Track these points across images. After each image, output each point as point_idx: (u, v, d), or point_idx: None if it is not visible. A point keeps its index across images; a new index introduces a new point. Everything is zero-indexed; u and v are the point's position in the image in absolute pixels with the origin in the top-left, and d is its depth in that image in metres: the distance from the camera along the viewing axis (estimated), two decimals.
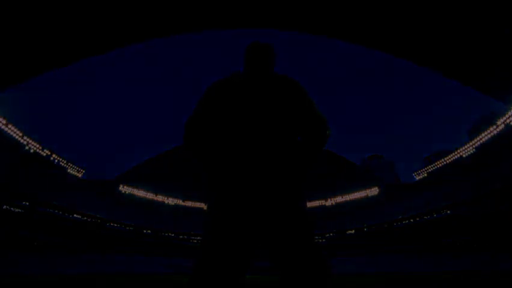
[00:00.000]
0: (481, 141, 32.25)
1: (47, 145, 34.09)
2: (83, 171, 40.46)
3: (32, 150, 31.59)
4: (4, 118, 27.96)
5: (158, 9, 24.79)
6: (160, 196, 46.74)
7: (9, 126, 28.67)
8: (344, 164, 54.58)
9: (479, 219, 25.63)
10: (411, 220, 33.91)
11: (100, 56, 29.11)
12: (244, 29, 31.91)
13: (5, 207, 24.78)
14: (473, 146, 33.49)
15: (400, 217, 34.97)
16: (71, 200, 31.86)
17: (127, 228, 37.21)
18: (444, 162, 38.23)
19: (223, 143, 1.29)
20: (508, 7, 19.48)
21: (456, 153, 36.13)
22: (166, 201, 47.23)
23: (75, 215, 31.69)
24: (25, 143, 30.78)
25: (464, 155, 34.77)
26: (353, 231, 40.12)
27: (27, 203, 26.83)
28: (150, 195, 45.99)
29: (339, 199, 47.48)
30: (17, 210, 25.93)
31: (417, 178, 43.30)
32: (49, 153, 34.35)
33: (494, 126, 30.15)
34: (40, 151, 32.93)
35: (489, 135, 31.01)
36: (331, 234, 41.35)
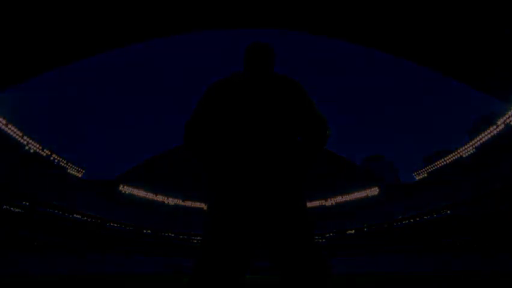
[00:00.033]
0: (481, 141, 32.24)
1: (47, 145, 34.09)
2: (83, 171, 40.46)
3: (32, 150, 31.59)
4: (4, 118, 27.95)
5: (158, 9, 24.79)
6: (160, 196, 46.73)
7: (9, 126, 28.66)
8: (344, 164, 54.57)
9: (479, 219, 25.63)
10: (411, 220, 33.90)
11: (100, 56, 29.12)
12: (243, 29, 31.91)
13: (5, 207, 24.77)
14: (473, 146, 33.48)
15: (400, 217, 34.96)
16: (71, 200, 31.85)
17: (127, 228, 37.21)
18: (444, 162, 38.21)
19: (223, 143, 1.29)
20: (508, 7, 19.47)
21: (456, 153, 36.11)
22: (166, 201, 47.22)
23: (75, 215, 31.68)
24: (25, 143, 30.77)
25: (464, 155, 34.76)
26: (353, 231, 40.11)
27: (27, 203, 26.82)
28: (150, 195, 45.99)
29: (339, 199, 47.47)
30: (17, 210, 25.93)
31: (417, 178, 43.28)
32: (49, 153, 34.34)
33: (494, 126, 30.13)
34: (40, 151, 32.92)
35: (489, 135, 30.99)
36: (331, 234, 41.35)
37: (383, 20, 25.30)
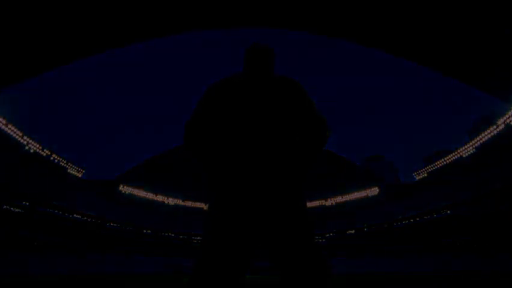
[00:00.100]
0: (481, 141, 32.24)
1: (47, 145, 34.10)
2: (83, 171, 40.46)
3: (32, 150, 31.58)
4: (4, 118, 27.95)
5: (158, 8, 24.78)
6: (160, 196, 46.72)
7: (9, 126, 28.65)
8: (344, 164, 54.56)
9: (479, 219, 25.63)
10: (411, 220, 33.90)
11: (101, 56, 29.12)
12: (243, 29, 31.90)
13: (5, 207, 24.77)
14: (473, 146, 33.47)
15: (400, 217, 34.96)
16: (71, 200, 31.84)
17: (127, 228, 37.20)
18: (444, 162, 38.21)
19: (223, 143, 1.29)
20: (508, 7, 19.48)
21: (456, 153, 36.10)
22: (166, 201, 47.22)
23: (75, 215, 31.68)
24: (25, 143, 30.76)
25: (464, 155, 34.76)
26: (353, 231, 40.10)
27: (27, 203, 26.82)
28: (150, 195, 45.98)
29: (339, 199, 47.46)
30: (17, 210, 25.92)
31: (417, 178, 43.29)
32: (49, 153, 34.33)
33: (494, 126, 30.13)
34: (40, 151, 32.92)
35: (489, 135, 30.99)
36: (331, 234, 41.34)
37: (383, 20, 25.31)
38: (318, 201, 46.92)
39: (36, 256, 22.32)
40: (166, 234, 40.95)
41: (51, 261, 22.44)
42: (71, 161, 38.43)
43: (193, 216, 44.11)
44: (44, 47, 23.36)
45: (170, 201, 47.45)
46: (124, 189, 43.85)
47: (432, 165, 40.87)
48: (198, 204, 47.60)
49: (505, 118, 28.71)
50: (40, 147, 32.83)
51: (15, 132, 29.40)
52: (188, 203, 47.90)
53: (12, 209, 25.49)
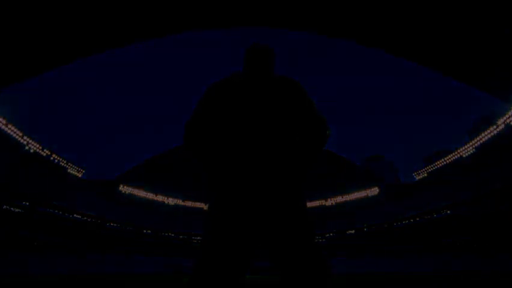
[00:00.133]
0: (481, 141, 32.24)
1: (47, 145, 34.09)
2: (83, 171, 40.46)
3: (32, 150, 31.58)
4: (4, 118, 27.95)
5: (158, 9, 24.78)
6: (160, 196, 46.73)
7: (9, 126, 28.65)
8: (344, 164, 54.56)
9: (479, 219, 25.63)
10: (411, 220, 33.90)
11: (101, 56, 29.13)
12: (243, 29, 31.90)
13: (5, 207, 24.77)
14: (473, 146, 33.47)
15: (400, 217, 34.96)
16: (71, 200, 31.84)
17: (127, 228, 37.20)
18: (444, 162, 38.21)
19: (223, 143, 1.29)
20: (508, 7, 19.48)
21: (456, 153, 36.11)
22: (166, 201, 47.22)
23: (75, 215, 31.68)
24: (25, 143, 30.76)
25: (464, 155, 34.76)
26: (353, 231, 40.10)
27: (27, 203, 26.82)
28: (150, 195, 45.99)
29: (339, 199, 47.46)
30: (17, 210, 25.93)
31: (417, 178, 43.29)
32: (49, 153, 34.34)
33: (494, 126, 30.14)
34: (40, 151, 32.92)
35: (489, 135, 31.00)
36: (331, 234, 41.35)
37: (383, 20, 25.31)
38: (318, 201, 46.93)
39: (36, 256, 22.33)
40: (166, 234, 40.95)
41: (51, 261, 22.44)
42: (71, 161, 38.44)
43: (193, 216, 44.12)
44: (44, 47, 23.36)
45: (170, 201, 47.45)
46: (124, 189, 43.85)
47: (432, 165, 40.88)
48: (198, 204, 47.60)
49: (505, 118, 28.72)
50: (40, 147, 32.83)
51: (15, 132, 29.40)
52: (188, 203, 47.90)
53: (12, 209, 25.50)
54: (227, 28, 31.64)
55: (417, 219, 33.28)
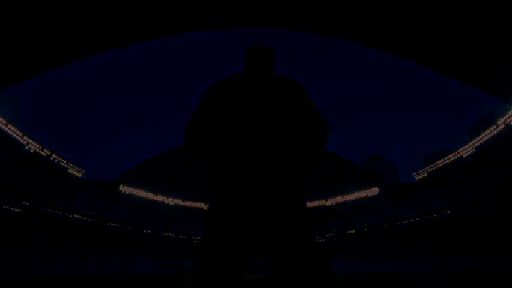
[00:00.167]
0: (481, 141, 32.25)
1: (47, 145, 34.09)
2: (83, 171, 40.47)
3: (32, 150, 31.58)
4: (4, 118, 27.96)
5: (158, 8, 24.78)
6: (160, 196, 46.73)
7: (9, 126, 28.66)
8: (344, 164, 54.57)
9: (479, 219, 25.63)
10: (411, 220, 33.90)
11: (101, 56, 29.13)
12: (242, 29, 31.90)
13: (5, 207, 24.77)
14: (473, 146, 33.48)
15: (400, 217, 34.96)
16: (71, 200, 31.84)
17: (127, 228, 37.20)
18: (444, 162, 38.21)
19: (223, 143, 1.29)
20: (508, 7, 19.48)
21: (456, 153, 36.11)
22: (166, 201, 47.22)
23: (75, 215, 31.68)
24: (25, 143, 30.76)
25: (464, 155, 34.76)
26: (353, 231, 40.10)
27: (27, 203, 26.82)
28: (150, 195, 45.99)
29: (339, 199, 47.46)
30: (17, 210, 25.92)
31: (417, 178, 43.29)
32: (49, 153, 34.34)
33: (494, 126, 30.14)
34: (40, 151, 32.92)
35: (489, 135, 31.00)
36: (331, 234, 41.35)
37: (383, 20, 25.30)
38: (318, 201, 46.93)
39: (36, 256, 22.33)
40: (166, 234, 40.95)
41: (51, 261, 22.44)
42: (71, 161, 38.45)
43: (193, 216, 44.13)
44: (44, 47, 23.36)
45: (170, 201, 47.45)
46: (124, 189, 43.85)
47: (432, 165, 40.88)
48: (198, 204, 47.60)
49: (505, 118, 28.72)
50: (40, 147, 32.83)
51: (15, 132, 29.40)
52: (188, 203, 47.90)
53: (12, 209, 25.49)
54: (227, 28, 31.65)
55: (417, 219, 33.28)
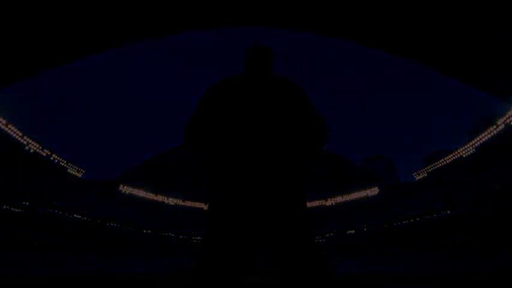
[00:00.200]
0: (481, 141, 32.26)
1: (47, 145, 34.11)
2: (83, 171, 40.49)
3: (32, 150, 31.59)
4: (4, 118, 27.97)
5: (158, 8, 24.78)
6: (160, 196, 46.74)
7: (9, 126, 28.67)
8: (344, 164, 54.60)
9: (479, 219, 25.64)
10: (411, 220, 33.91)
11: (101, 56, 29.13)
12: (242, 29, 31.92)
13: (5, 207, 24.78)
14: (473, 146, 33.49)
15: (400, 217, 34.97)
16: (71, 200, 31.86)
17: (127, 228, 37.21)
18: (444, 162, 38.23)
19: (223, 143, 1.29)
20: (508, 7, 19.48)
21: (456, 153, 36.13)
22: (166, 201, 47.23)
23: (75, 215, 31.69)
24: (25, 143, 30.78)
25: (464, 155, 34.78)
26: (353, 231, 40.11)
27: (27, 203, 26.83)
28: (150, 195, 46.00)
29: (339, 199, 47.48)
30: (17, 210, 25.94)
31: (417, 178, 43.31)
32: (49, 153, 34.35)
33: (494, 126, 30.15)
34: (40, 151, 32.93)
35: (489, 135, 31.01)
36: (331, 234, 41.35)
37: (383, 20, 25.31)
38: (318, 201, 46.94)
39: (36, 256, 22.34)
40: (166, 234, 40.96)
41: (51, 261, 22.45)
42: (71, 161, 38.48)
43: (193, 216, 44.14)
44: (44, 47, 23.37)
45: (170, 201, 47.47)
46: (124, 189, 43.86)
47: (432, 165, 40.89)
48: (198, 204, 47.61)
49: (505, 118, 28.72)
50: (40, 147, 32.85)
51: (15, 132, 29.41)
52: (188, 203, 47.92)
53: (12, 209, 25.50)
54: (227, 27, 31.65)
55: (417, 219, 33.29)
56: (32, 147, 31.64)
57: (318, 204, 47.00)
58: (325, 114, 1.38)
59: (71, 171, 38.30)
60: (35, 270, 19.53)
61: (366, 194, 45.48)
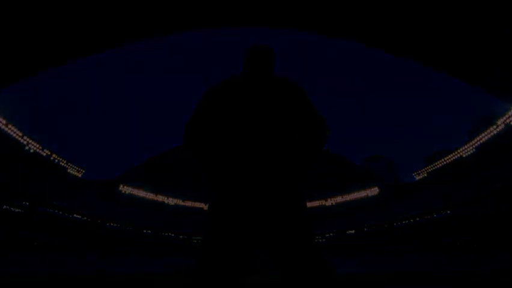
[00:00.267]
0: (481, 141, 32.26)
1: (47, 145, 34.11)
2: (83, 171, 40.49)
3: (32, 150, 31.59)
4: (4, 118, 27.97)
5: (158, 8, 24.78)
6: (160, 196, 46.75)
7: (9, 126, 28.67)
8: (344, 164, 54.61)
9: (479, 219, 25.64)
10: (411, 220, 33.91)
11: (101, 55, 29.13)
12: (242, 29, 31.91)
13: (5, 207, 24.78)
14: (473, 146, 33.49)
15: (400, 217, 34.97)
16: (71, 200, 31.86)
17: (127, 228, 37.22)
18: (444, 162, 38.23)
19: (223, 143, 1.29)
20: (508, 7, 19.48)
21: (456, 153, 36.13)
22: (166, 201, 47.24)
23: (75, 215, 31.69)
24: (25, 143, 30.78)
25: (464, 155, 34.78)
26: (353, 231, 40.11)
27: (27, 203, 26.83)
28: (150, 195, 46.00)
29: (339, 199, 47.47)
30: (17, 210, 25.94)
31: (417, 178, 43.31)
32: (49, 153, 34.36)
33: (494, 126, 30.15)
34: (40, 151, 32.93)
35: (489, 135, 31.02)
36: (331, 234, 41.35)
37: (383, 20, 25.30)
38: (318, 201, 46.94)
39: (36, 256, 22.34)
40: (166, 234, 40.96)
41: (51, 261, 22.45)
42: (71, 161, 38.48)
43: (193, 216, 44.14)
44: (44, 47, 23.37)
45: (170, 201, 47.47)
46: (124, 189, 43.86)
47: (432, 165, 40.89)
48: (198, 204, 47.61)
49: (505, 118, 28.73)
50: (40, 147, 32.85)
51: (15, 132, 29.41)
52: (188, 203, 47.92)
53: (12, 209, 25.50)
54: (227, 27, 31.66)
55: (417, 219, 33.29)
56: (32, 147, 31.64)
57: (318, 204, 47.00)
58: (325, 114, 1.37)
59: (71, 171, 38.31)
60: (35, 270, 19.53)
61: (366, 194, 45.48)
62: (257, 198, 1.20)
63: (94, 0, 21.61)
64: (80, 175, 39.93)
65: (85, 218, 32.74)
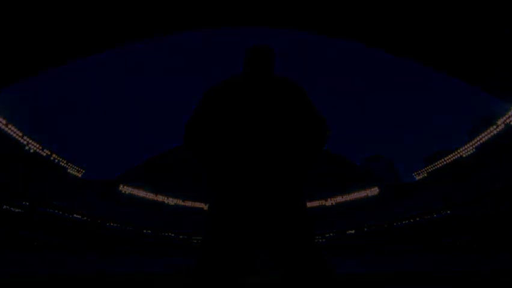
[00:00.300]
0: (481, 141, 32.26)
1: (47, 145, 34.11)
2: (83, 171, 40.49)
3: (32, 150, 31.59)
4: (4, 118, 27.96)
5: (158, 8, 24.78)
6: (160, 196, 46.74)
7: (9, 126, 28.67)
8: (344, 164, 54.60)
9: (479, 219, 25.64)
10: (411, 220, 33.91)
11: (101, 55, 29.14)
12: (242, 29, 31.91)
13: (5, 207, 24.78)
14: (473, 146, 33.49)
15: (400, 217, 34.98)
16: (71, 200, 31.86)
17: (127, 228, 37.22)
18: (444, 162, 38.24)
19: (223, 143, 1.29)
20: (508, 7, 19.48)
21: (456, 153, 36.13)
22: (166, 201, 47.24)
23: (75, 215, 31.69)
24: (25, 143, 30.78)
25: (464, 155, 34.78)
26: (353, 231, 40.11)
27: (27, 203, 26.83)
28: (150, 195, 46.00)
29: (339, 199, 47.47)
30: (17, 210, 25.94)
31: (417, 178, 43.31)
32: (49, 153, 34.35)
33: (494, 126, 30.15)
34: (40, 151, 32.93)
35: (489, 135, 31.02)
36: (331, 234, 41.35)
37: (383, 20, 25.30)
38: (318, 201, 46.94)
39: (36, 256, 22.34)
40: (166, 234, 40.96)
41: (51, 261, 22.45)
42: (71, 161, 38.48)
43: (193, 216, 44.14)
44: (44, 47, 23.37)
45: (170, 201, 47.46)
46: (124, 189, 43.86)
47: (432, 165, 40.89)
48: (198, 204, 47.61)
49: (505, 118, 28.73)
50: (40, 147, 32.85)
51: (15, 132, 29.41)
52: (188, 203, 47.92)
53: (12, 209, 25.50)
54: (227, 27, 31.66)
55: (417, 219, 33.29)
56: (32, 147, 31.64)
57: (318, 204, 46.99)
58: (325, 114, 1.37)
59: (71, 171, 38.30)
60: (35, 270, 19.53)
61: (366, 194, 45.47)
62: (257, 198, 1.20)
63: (94, 0, 21.61)
64: (80, 175, 39.93)
65: (85, 218, 32.75)
